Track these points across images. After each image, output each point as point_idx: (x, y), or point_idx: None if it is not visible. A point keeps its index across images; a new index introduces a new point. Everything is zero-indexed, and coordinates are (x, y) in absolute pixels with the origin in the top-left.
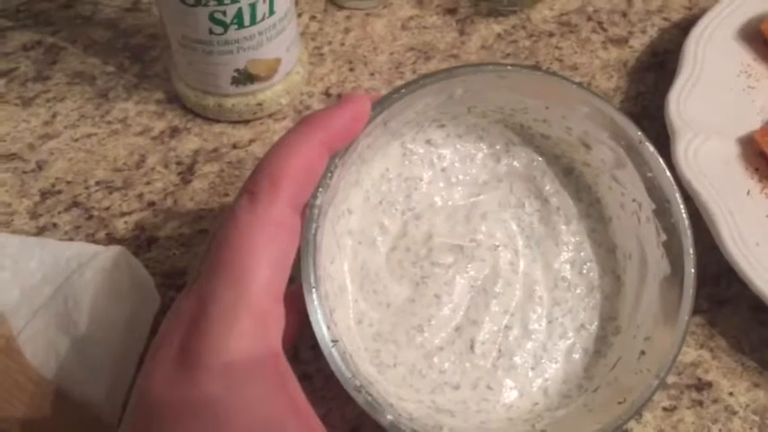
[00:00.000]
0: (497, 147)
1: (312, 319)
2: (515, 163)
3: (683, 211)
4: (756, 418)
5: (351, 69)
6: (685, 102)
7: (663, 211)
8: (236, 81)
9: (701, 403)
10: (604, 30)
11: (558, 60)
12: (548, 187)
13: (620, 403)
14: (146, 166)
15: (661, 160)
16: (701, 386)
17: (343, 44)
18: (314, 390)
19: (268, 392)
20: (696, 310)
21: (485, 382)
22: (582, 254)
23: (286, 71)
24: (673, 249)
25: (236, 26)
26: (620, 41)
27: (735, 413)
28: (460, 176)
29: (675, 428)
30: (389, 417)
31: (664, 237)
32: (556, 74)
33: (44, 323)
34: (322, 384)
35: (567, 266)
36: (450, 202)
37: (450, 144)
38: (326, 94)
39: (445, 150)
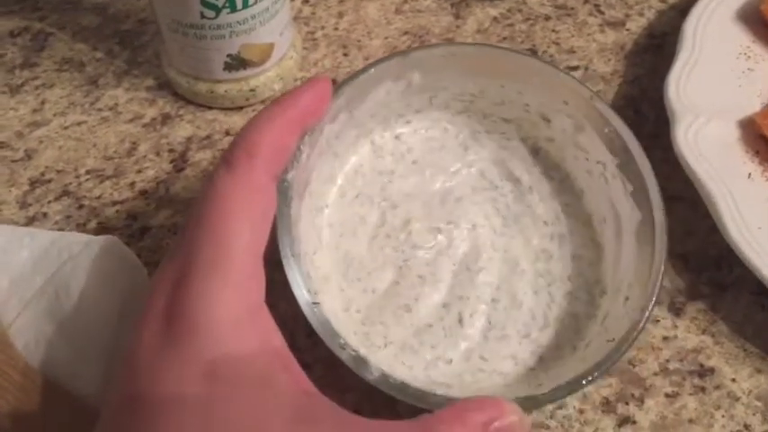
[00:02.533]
0: (464, 136)
1: (292, 283)
2: (483, 150)
3: (643, 156)
4: (759, 404)
5: (345, 54)
6: (685, 84)
7: (625, 163)
8: (228, 67)
9: (703, 389)
10: (601, 13)
11: (555, 44)
12: (518, 169)
13: (608, 341)
14: (137, 154)
15: (615, 113)
16: (704, 372)
17: (336, 28)
18: (312, 379)
19: (253, 348)
20: (697, 296)
21: (477, 353)
22: (560, 227)
23: (279, 56)
24: (640, 196)
25: (228, 10)
26: (618, 24)
27: (738, 399)
28: (431, 166)
29: (678, 415)
30: (376, 372)
31: (630, 187)
32: (503, 47)
33: (35, 315)
34: (322, 373)
35: (547, 240)
36: (424, 190)
37: (418, 138)
38: None
39: (414, 144)
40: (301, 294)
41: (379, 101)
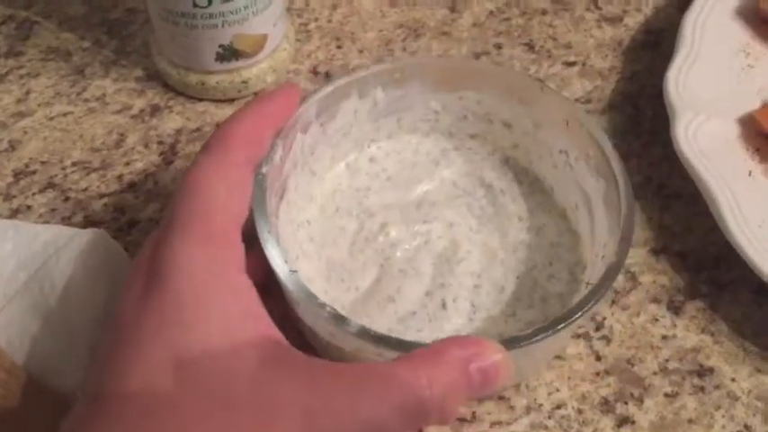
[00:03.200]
0: (434, 155)
1: (270, 258)
2: (453, 165)
3: (595, 124)
4: (760, 404)
5: (338, 47)
6: (684, 81)
7: (582, 139)
8: (220, 57)
9: (702, 389)
10: (599, 8)
11: (552, 39)
12: (489, 177)
13: (587, 284)
14: (125, 146)
15: (565, 96)
16: (703, 372)
17: (330, 20)
18: None
19: (225, 302)
20: (696, 294)
21: (464, 334)
22: (535, 222)
23: (272, 48)
24: (600, 163)
25: None
26: (615, 20)
27: (737, 399)
28: (406, 181)
29: (677, 415)
30: (355, 327)
31: (592, 161)
32: (452, 56)
33: (19, 310)
34: None
35: (524, 233)
36: (400, 200)
37: (391, 159)
38: (314, 72)
39: (387, 165)
40: (279, 266)
41: (349, 119)
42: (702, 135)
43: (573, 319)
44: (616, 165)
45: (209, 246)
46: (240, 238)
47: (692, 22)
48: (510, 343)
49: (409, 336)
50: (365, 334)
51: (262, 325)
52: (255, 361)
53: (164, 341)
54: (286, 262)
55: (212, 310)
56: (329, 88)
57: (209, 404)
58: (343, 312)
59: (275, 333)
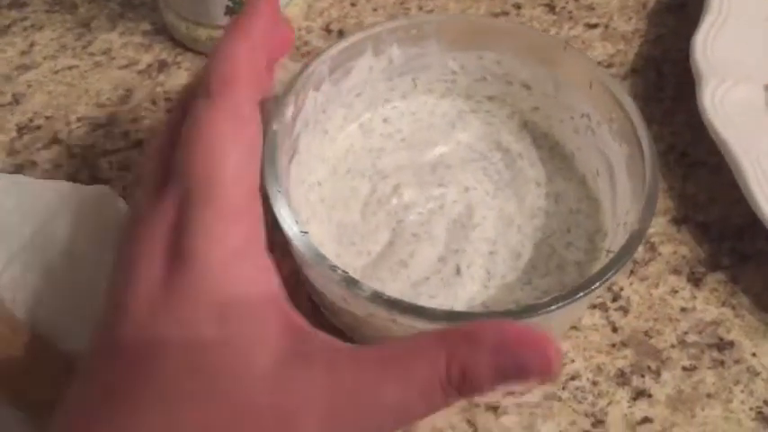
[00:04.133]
0: (451, 117)
1: (280, 218)
2: (470, 127)
3: (620, 87)
4: None
5: (352, 4)
6: (712, 45)
7: (606, 102)
8: (230, 11)
9: (722, 363)
10: None
11: (575, 0)
12: (506, 141)
13: (608, 253)
14: (132, 103)
15: (588, 57)
16: (723, 345)
17: None
18: None
19: (251, 289)
20: (717, 266)
21: (478, 301)
22: (553, 187)
23: (284, 2)
24: (624, 128)
25: None
26: None
27: (758, 374)
28: (420, 143)
29: (695, 389)
30: (368, 290)
31: (615, 125)
32: (473, 14)
33: (23, 268)
34: None
35: (542, 199)
36: (414, 162)
37: (406, 120)
38: (327, 29)
39: (402, 126)
40: (289, 227)
41: (363, 77)
42: (729, 102)
43: (592, 288)
44: (641, 130)
45: (237, 223)
46: (258, 201)
47: None
48: (526, 311)
49: (422, 302)
50: (378, 298)
51: (282, 310)
52: (275, 358)
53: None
54: (297, 223)
55: (242, 308)
56: (343, 44)
57: (227, 408)
58: (354, 276)
59: (294, 318)
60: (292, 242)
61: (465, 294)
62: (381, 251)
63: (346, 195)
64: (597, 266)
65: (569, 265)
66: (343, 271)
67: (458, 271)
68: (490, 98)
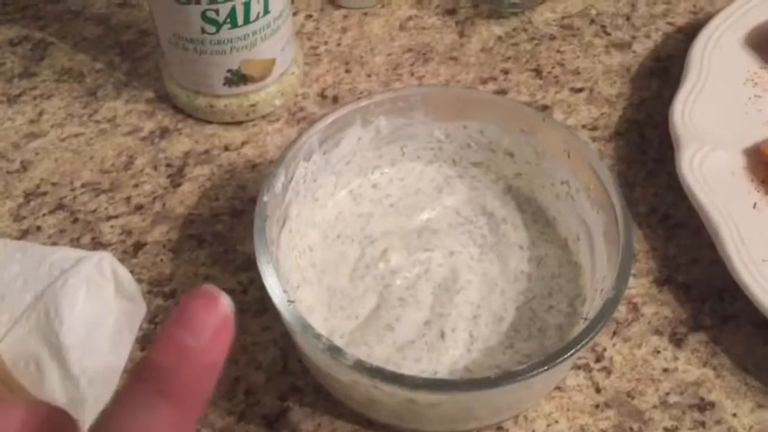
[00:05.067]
0: (438, 182)
1: (269, 288)
2: (456, 192)
3: (596, 155)
4: None
5: (347, 71)
6: (690, 110)
7: (584, 171)
8: (228, 81)
9: (703, 424)
10: (607, 34)
11: (560, 65)
12: (491, 205)
13: (584, 320)
14: (134, 168)
15: (567, 127)
16: (704, 406)
17: (339, 44)
18: (303, 404)
19: None
20: (699, 327)
21: (461, 365)
22: (536, 251)
23: (280, 72)
24: (600, 196)
25: (229, 25)
26: (624, 46)
27: None
28: (408, 208)
29: None
30: (351, 359)
31: (593, 193)
32: (456, 86)
33: (25, 332)
34: (313, 398)
35: (525, 262)
36: (402, 227)
37: (395, 185)
38: (322, 95)
39: (391, 191)
40: (277, 295)
41: (352, 147)
42: (708, 166)
43: (569, 354)
44: (616, 198)
45: None
46: None
47: (699, 51)
48: (507, 378)
49: (407, 366)
50: (360, 366)
51: None
52: None
53: None
54: (285, 292)
55: None
56: (332, 117)
57: None
58: (341, 341)
59: None
60: (280, 311)
61: (448, 359)
62: (369, 315)
63: (336, 260)
64: (577, 331)
65: (550, 329)
66: (328, 340)
67: (442, 335)
68: (475, 164)
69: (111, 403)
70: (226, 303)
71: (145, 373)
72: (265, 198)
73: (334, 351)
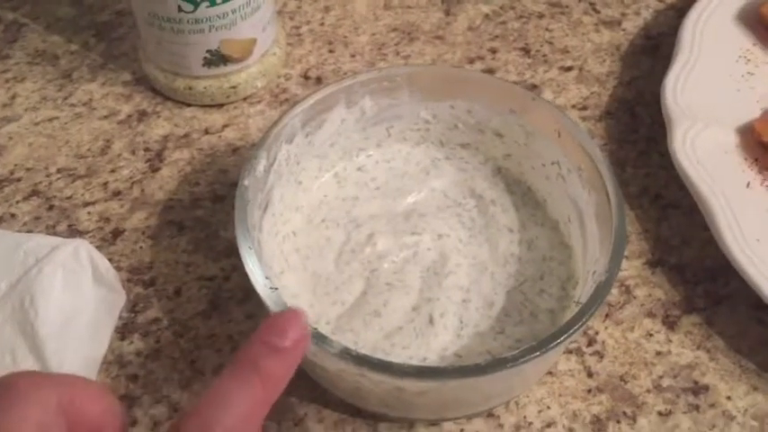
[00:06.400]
0: (425, 164)
1: (251, 274)
2: (444, 175)
3: (587, 135)
4: (756, 424)
5: (330, 51)
6: (682, 88)
7: (575, 151)
8: (208, 62)
9: (697, 408)
10: (597, 11)
11: (549, 43)
12: (480, 187)
13: (576, 304)
14: (111, 153)
15: (557, 107)
16: (698, 390)
17: (322, 24)
18: (289, 393)
19: None
20: (692, 309)
21: (451, 351)
22: (526, 234)
23: (262, 52)
24: (592, 176)
25: (207, 3)
26: (613, 24)
27: (733, 418)
28: (395, 191)
29: None
30: (337, 346)
31: (584, 173)
32: (443, 65)
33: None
34: (298, 388)
35: (515, 245)
36: (388, 211)
37: (380, 168)
38: (305, 76)
39: (376, 174)
40: (259, 282)
41: (336, 129)
42: (700, 144)
43: (562, 339)
44: (608, 179)
45: None
46: None
47: (691, 27)
48: (498, 364)
49: (395, 353)
50: (347, 354)
51: None
52: None
53: None
54: (267, 278)
55: None
56: (314, 98)
57: None
58: (327, 328)
59: None
60: (262, 298)
61: (437, 344)
62: (355, 301)
63: (321, 245)
64: (569, 315)
65: (542, 313)
66: (313, 327)
67: (431, 320)
68: (463, 145)
69: (215, 380)
70: (306, 320)
71: (242, 359)
72: (246, 182)
73: (320, 339)
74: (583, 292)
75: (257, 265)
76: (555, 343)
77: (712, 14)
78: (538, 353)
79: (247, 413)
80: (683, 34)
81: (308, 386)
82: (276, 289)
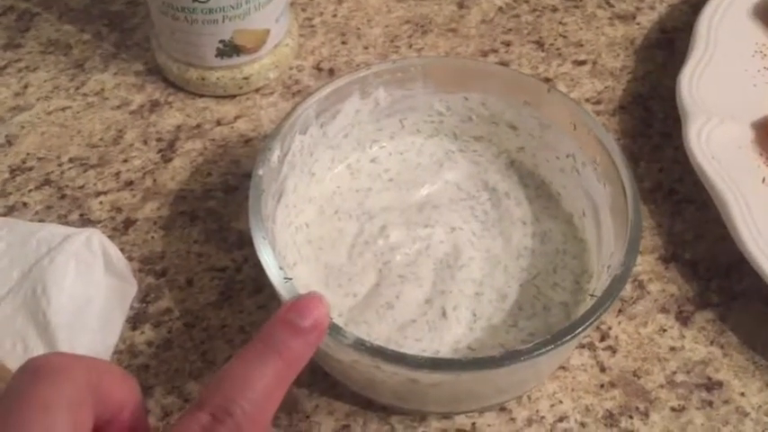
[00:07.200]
0: (438, 156)
1: (265, 265)
2: (458, 167)
3: (603, 128)
4: None
5: (343, 42)
6: (697, 83)
7: (590, 144)
8: (221, 53)
9: (710, 404)
10: (611, 5)
11: (563, 37)
12: (493, 180)
13: (591, 296)
14: (123, 143)
15: (572, 99)
16: (711, 386)
17: (335, 15)
18: (300, 385)
19: None
20: (706, 305)
21: (464, 344)
22: (540, 227)
23: (274, 43)
24: (607, 170)
25: None
26: (628, 18)
27: (746, 415)
28: (408, 183)
29: (684, 430)
30: (351, 337)
31: (599, 166)
32: (458, 56)
33: (11, 311)
34: (310, 379)
35: (528, 238)
36: (401, 202)
37: (394, 160)
38: (317, 68)
39: (390, 165)
40: (273, 272)
41: (350, 120)
42: (715, 140)
43: (576, 332)
44: (624, 172)
45: None
46: None
47: (706, 22)
48: (512, 357)
49: (408, 345)
50: (361, 346)
51: None
52: None
53: None
54: (281, 269)
55: None
56: (328, 89)
57: None
58: (340, 320)
59: None
60: (277, 289)
61: (450, 337)
62: (368, 293)
63: (333, 236)
64: (583, 308)
65: (555, 307)
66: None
67: (444, 313)
68: (477, 138)
69: (234, 357)
70: (326, 303)
71: (264, 337)
72: (260, 172)
73: (334, 330)
74: (597, 286)
75: (271, 256)
76: (570, 336)
77: (728, 9)
78: (553, 346)
79: (268, 390)
80: (698, 29)
81: (319, 378)
82: (290, 279)
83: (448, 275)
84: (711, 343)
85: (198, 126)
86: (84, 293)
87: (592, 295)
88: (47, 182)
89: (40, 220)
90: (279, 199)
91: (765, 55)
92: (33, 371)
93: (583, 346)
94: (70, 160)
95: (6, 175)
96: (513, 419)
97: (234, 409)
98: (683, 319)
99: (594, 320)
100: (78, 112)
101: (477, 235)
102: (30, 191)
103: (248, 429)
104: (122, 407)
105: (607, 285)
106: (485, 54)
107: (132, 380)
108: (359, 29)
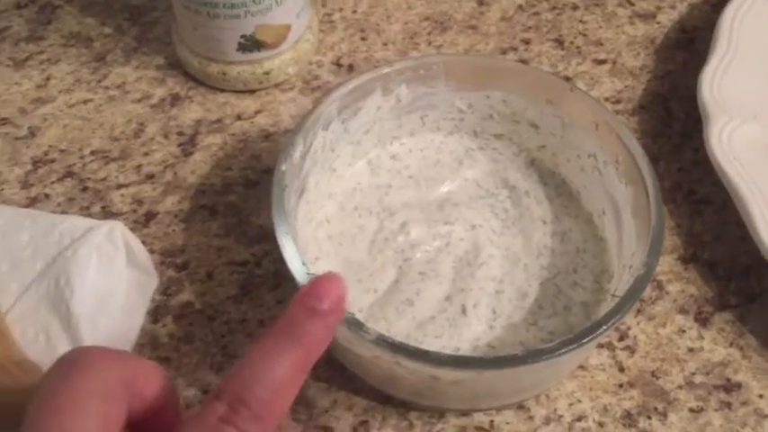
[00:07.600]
0: (458, 154)
1: (288, 259)
2: (477, 164)
3: (626, 128)
4: None
5: (363, 39)
6: (719, 83)
7: (612, 143)
8: (242, 48)
9: (729, 405)
10: (631, 4)
11: (582, 35)
12: (513, 178)
13: (613, 297)
14: (144, 136)
15: (594, 99)
16: (730, 387)
17: (355, 11)
18: (319, 379)
19: None
20: (725, 306)
21: (484, 341)
22: (560, 226)
23: (295, 39)
24: (630, 169)
25: None
26: (648, 17)
27: (765, 417)
28: (428, 180)
29: (702, 431)
30: (373, 333)
31: (621, 166)
32: (480, 54)
33: (34, 302)
34: (328, 374)
35: (548, 237)
36: (421, 200)
37: (414, 156)
38: (337, 63)
39: (410, 162)
40: (296, 267)
41: (371, 116)
42: (737, 140)
43: (598, 332)
44: (647, 172)
45: None
46: None
47: (728, 21)
48: (535, 355)
49: (427, 342)
50: (383, 341)
51: None
52: None
53: None
54: (303, 264)
55: None
56: (351, 85)
57: None
58: (360, 315)
59: None
60: (299, 283)
61: (470, 334)
62: (388, 289)
63: (353, 232)
64: (603, 308)
65: (576, 306)
66: (349, 313)
67: (463, 310)
68: (497, 136)
69: (253, 345)
70: (342, 282)
71: (283, 324)
72: (283, 167)
73: (356, 325)
74: (618, 286)
75: (294, 251)
76: (592, 336)
77: (750, 8)
78: (575, 345)
79: (287, 375)
80: (720, 28)
81: (337, 373)
82: (313, 274)
83: (468, 273)
84: (730, 344)
85: (218, 120)
86: (107, 285)
87: (613, 295)
88: (69, 174)
89: (63, 212)
90: (300, 194)
91: None
92: (71, 361)
93: (602, 346)
94: (92, 153)
95: (29, 167)
96: (531, 418)
97: (251, 398)
98: (702, 320)
99: (617, 320)
100: (100, 105)
101: (497, 233)
102: (52, 182)
103: (266, 418)
104: (157, 403)
105: (629, 286)
106: (504, 51)
107: (169, 380)
108: (378, 25)
